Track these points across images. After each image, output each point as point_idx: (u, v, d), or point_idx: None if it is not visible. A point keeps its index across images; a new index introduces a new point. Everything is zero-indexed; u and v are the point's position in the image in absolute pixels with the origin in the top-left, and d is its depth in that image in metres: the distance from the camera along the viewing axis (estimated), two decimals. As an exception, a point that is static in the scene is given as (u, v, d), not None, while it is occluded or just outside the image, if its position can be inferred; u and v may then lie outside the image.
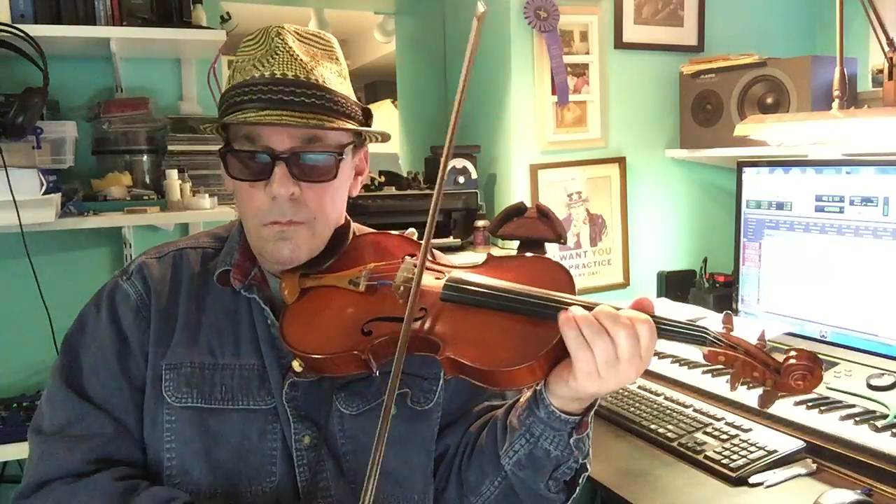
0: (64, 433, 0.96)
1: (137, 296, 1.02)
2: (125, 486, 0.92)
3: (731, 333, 0.89)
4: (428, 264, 1.00)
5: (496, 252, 2.28)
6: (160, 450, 0.97)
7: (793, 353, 0.86)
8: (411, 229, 1.13)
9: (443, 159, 0.88)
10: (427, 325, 0.94)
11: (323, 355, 0.94)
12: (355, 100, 1.02)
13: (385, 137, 1.05)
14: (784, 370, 0.85)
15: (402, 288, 0.96)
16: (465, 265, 1.04)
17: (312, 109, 0.94)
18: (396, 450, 1.03)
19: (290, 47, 0.96)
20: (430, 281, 0.98)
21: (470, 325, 0.93)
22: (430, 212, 0.88)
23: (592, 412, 0.96)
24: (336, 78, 0.99)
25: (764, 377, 0.86)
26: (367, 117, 1.03)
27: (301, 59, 0.95)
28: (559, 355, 0.89)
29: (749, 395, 1.49)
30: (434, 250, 1.15)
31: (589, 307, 0.88)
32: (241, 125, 0.95)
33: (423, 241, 0.89)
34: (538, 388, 0.94)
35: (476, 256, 2.26)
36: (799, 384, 0.84)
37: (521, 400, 1.00)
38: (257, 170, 0.96)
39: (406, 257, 1.03)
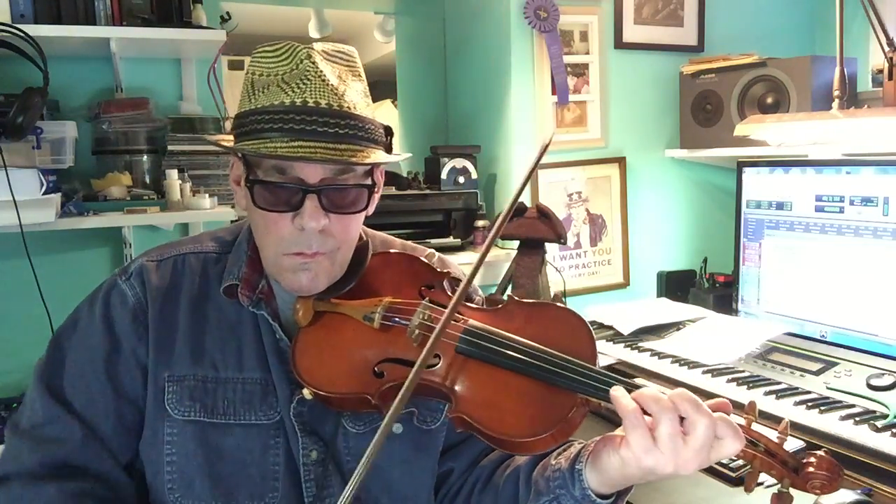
0: (33, 433, 0.95)
1: (136, 299, 1.00)
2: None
3: (752, 427, 0.83)
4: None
5: (496, 252, 2.29)
6: (160, 462, 0.96)
7: (813, 459, 0.81)
8: (431, 250, 1.10)
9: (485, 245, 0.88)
10: (439, 375, 0.90)
11: (333, 393, 0.92)
12: (379, 122, 1.00)
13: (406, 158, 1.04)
14: (803, 476, 0.81)
15: (416, 332, 0.92)
16: (485, 309, 0.99)
17: (345, 140, 0.91)
18: (403, 469, 1.02)
19: (321, 71, 0.91)
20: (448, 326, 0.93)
21: (484, 382, 0.89)
22: (467, 277, 0.85)
23: (626, 497, 0.91)
24: (362, 99, 0.96)
25: (781, 476, 0.82)
26: (388, 135, 1.01)
27: (332, 85, 0.91)
28: (575, 426, 0.86)
29: (750, 395, 1.49)
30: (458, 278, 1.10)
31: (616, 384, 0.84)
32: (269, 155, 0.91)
33: (454, 289, 0.84)
34: (577, 465, 0.89)
35: (476, 257, 2.25)
36: (816, 491, 0.81)
37: (552, 460, 0.95)
38: (286, 200, 0.92)
39: (422, 289, 1.00)
